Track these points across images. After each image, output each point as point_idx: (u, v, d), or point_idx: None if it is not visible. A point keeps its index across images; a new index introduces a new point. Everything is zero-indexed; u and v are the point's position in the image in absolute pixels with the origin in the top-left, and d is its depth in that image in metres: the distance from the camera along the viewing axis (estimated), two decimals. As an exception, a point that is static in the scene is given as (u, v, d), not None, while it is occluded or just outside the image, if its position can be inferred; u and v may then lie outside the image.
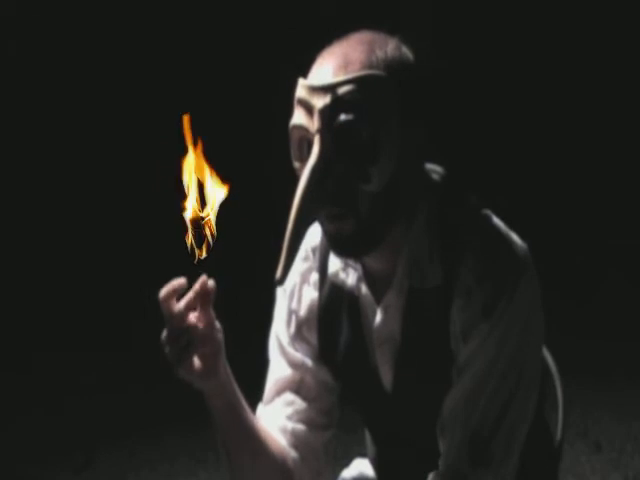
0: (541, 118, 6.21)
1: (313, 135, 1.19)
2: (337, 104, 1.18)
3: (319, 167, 1.17)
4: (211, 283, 1.19)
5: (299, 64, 1.34)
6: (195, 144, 1.19)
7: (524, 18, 6.19)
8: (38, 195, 5.90)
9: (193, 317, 1.19)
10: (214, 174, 1.20)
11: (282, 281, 1.19)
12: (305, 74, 1.25)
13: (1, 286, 5.33)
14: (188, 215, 1.19)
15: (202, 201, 1.22)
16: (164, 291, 1.18)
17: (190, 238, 1.19)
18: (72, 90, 5.94)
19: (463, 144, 5.62)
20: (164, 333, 1.18)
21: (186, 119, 1.17)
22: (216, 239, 1.20)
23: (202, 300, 1.19)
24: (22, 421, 4.02)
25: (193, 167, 1.19)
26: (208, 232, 1.19)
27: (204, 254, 1.19)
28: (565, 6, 6.10)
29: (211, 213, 1.19)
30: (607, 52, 6.11)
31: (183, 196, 1.21)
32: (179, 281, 1.19)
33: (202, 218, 1.19)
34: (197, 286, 1.19)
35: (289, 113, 1.25)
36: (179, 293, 1.19)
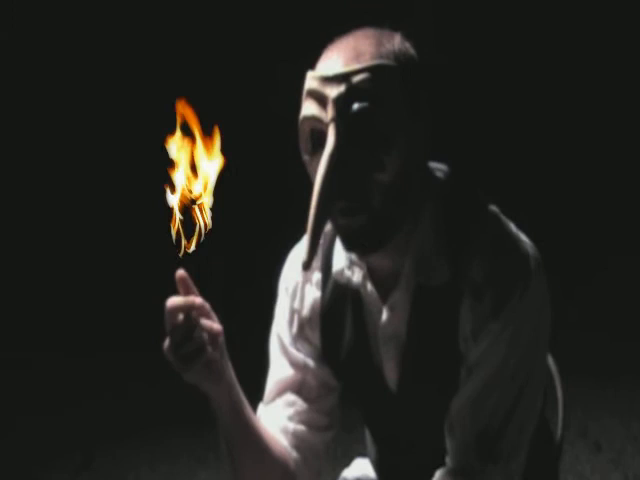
0: (545, 119, 6.21)
1: (327, 125, 1.19)
2: (351, 93, 1.18)
3: (336, 155, 1.17)
4: (180, 272, 1.17)
5: (298, 60, 1.33)
6: (188, 114, 1.11)
7: (530, 14, 6.19)
8: (36, 195, 5.90)
9: (195, 323, 1.18)
10: (209, 144, 1.12)
11: (308, 266, 1.20)
12: (305, 70, 1.25)
13: (2, 287, 5.33)
14: (175, 197, 1.08)
15: (194, 182, 1.08)
16: (172, 302, 1.17)
17: (177, 225, 1.08)
18: (70, 89, 5.94)
19: (469, 141, 5.63)
20: (166, 342, 1.17)
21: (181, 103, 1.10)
22: (209, 229, 1.09)
23: (185, 290, 1.18)
24: (22, 421, 4.02)
25: (184, 138, 1.11)
26: (200, 219, 1.08)
27: (192, 247, 1.09)
28: (569, 3, 6.11)
29: (205, 195, 1.11)
30: (612, 48, 6.12)
31: (170, 173, 1.08)
32: (187, 299, 1.17)
33: (193, 201, 1.10)
34: (181, 290, 1.18)
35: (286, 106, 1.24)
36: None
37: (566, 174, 6.00)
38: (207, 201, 1.10)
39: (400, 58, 1.22)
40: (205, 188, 1.11)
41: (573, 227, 5.58)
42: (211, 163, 1.13)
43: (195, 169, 1.10)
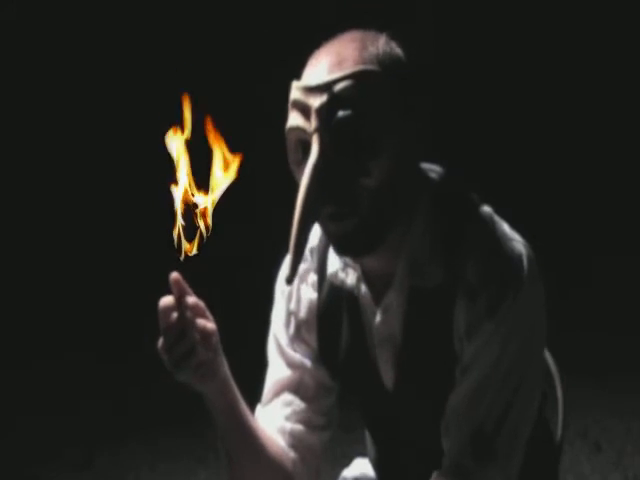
0: (541, 117, 6.21)
1: (311, 135, 1.19)
2: (334, 102, 1.18)
3: (320, 165, 1.17)
4: (174, 275, 1.16)
5: (292, 65, 1.33)
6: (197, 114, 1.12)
7: (527, 15, 6.19)
8: (36, 196, 5.90)
9: (188, 324, 1.18)
10: (222, 148, 1.13)
11: (291, 280, 1.20)
12: (296, 76, 1.25)
13: (1, 287, 5.33)
14: (178, 197, 1.09)
15: (196, 182, 1.09)
16: (164, 302, 1.17)
17: (178, 229, 1.08)
18: (71, 89, 5.94)
19: (463, 141, 5.63)
20: (160, 341, 1.18)
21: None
22: (210, 232, 1.09)
23: (181, 295, 1.17)
24: (22, 421, 4.03)
25: (187, 136, 1.11)
26: (202, 223, 1.09)
27: (194, 250, 1.10)
28: (567, 3, 6.11)
29: (209, 200, 1.12)
30: (611, 50, 6.12)
31: (173, 171, 1.08)
32: (180, 298, 1.17)
33: (195, 204, 1.10)
34: (175, 293, 1.17)
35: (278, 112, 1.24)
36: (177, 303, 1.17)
37: (560, 174, 6.00)
38: (210, 206, 1.11)
39: (384, 61, 1.22)
40: (212, 191, 1.12)
41: (569, 226, 5.58)
42: (225, 174, 1.14)
43: (195, 173, 1.11)
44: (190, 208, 1.09)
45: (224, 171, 1.14)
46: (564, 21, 6.17)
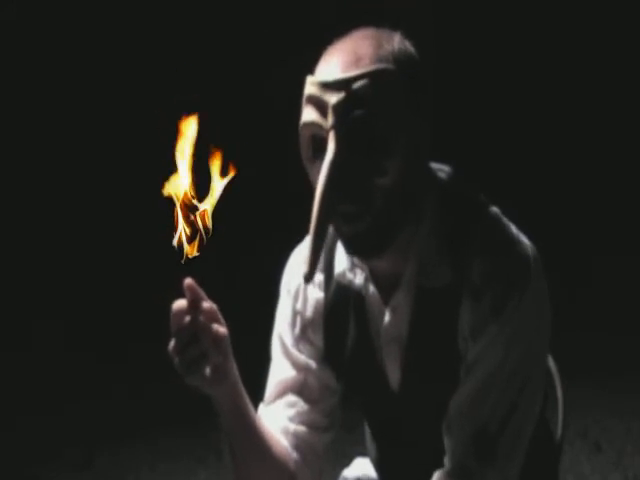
0: (549, 118, 6.21)
1: (327, 131, 1.19)
2: (351, 99, 1.18)
3: (337, 162, 1.17)
4: (188, 280, 1.15)
5: (291, 65, 1.33)
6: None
7: (529, 16, 6.19)
8: (38, 197, 5.90)
9: (201, 328, 1.17)
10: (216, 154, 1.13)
11: (310, 278, 1.19)
12: (296, 75, 1.24)
13: (2, 287, 5.33)
14: (178, 199, 1.09)
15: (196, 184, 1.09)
16: (177, 305, 1.16)
17: (180, 231, 1.09)
18: (70, 90, 5.94)
19: (463, 142, 5.63)
20: (171, 344, 1.17)
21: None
22: (211, 234, 1.09)
23: (194, 300, 1.16)
24: (22, 421, 4.03)
25: (192, 139, 1.12)
26: (201, 225, 1.09)
27: (195, 252, 1.10)
28: (569, 4, 6.11)
29: (208, 203, 1.12)
30: (611, 50, 6.12)
31: (173, 172, 1.08)
32: (193, 302, 1.17)
33: (196, 207, 1.10)
34: (189, 297, 1.16)
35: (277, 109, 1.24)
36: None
37: (561, 174, 6.00)
38: (209, 207, 1.11)
39: (399, 59, 1.22)
40: (211, 194, 1.12)
41: (569, 226, 5.58)
42: (221, 176, 1.14)
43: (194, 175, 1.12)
44: (190, 210, 1.10)
45: (220, 174, 1.14)
46: (566, 20, 6.17)
